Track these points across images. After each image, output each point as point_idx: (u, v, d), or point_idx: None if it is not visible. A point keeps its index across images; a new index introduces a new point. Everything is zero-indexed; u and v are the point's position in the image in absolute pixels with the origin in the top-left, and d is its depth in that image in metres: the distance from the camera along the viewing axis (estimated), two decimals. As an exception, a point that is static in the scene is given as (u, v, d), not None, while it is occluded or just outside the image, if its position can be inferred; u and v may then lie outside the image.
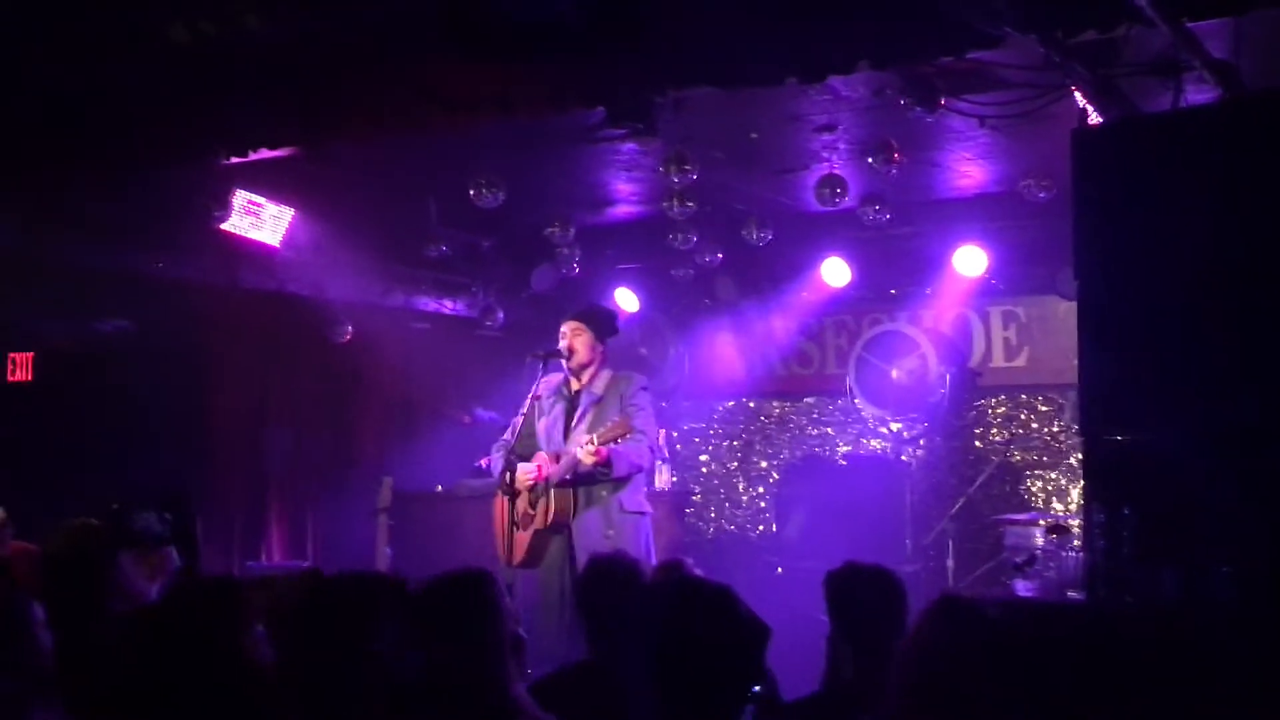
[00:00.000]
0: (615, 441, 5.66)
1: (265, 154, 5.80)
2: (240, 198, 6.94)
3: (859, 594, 3.56)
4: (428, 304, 8.95)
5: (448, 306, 9.06)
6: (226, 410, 7.89)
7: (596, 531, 5.80)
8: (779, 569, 8.30)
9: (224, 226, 6.91)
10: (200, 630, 2.50)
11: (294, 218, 7.27)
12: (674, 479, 9.10)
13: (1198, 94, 4.70)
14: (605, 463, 5.69)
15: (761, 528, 9.50)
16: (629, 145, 6.52)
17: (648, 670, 2.33)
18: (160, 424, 7.35)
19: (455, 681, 2.59)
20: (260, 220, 7.13)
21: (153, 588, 5.36)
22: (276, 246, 7.27)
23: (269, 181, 6.93)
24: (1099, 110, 4.77)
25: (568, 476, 5.82)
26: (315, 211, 7.36)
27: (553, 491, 5.87)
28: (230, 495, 7.83)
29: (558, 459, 5.87)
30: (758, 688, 2.37)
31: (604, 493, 5.87)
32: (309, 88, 5.35)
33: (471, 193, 6.70)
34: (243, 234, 7.06)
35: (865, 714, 2.98)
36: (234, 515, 7.82)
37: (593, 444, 5.60)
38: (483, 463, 6.30)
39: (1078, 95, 4.80)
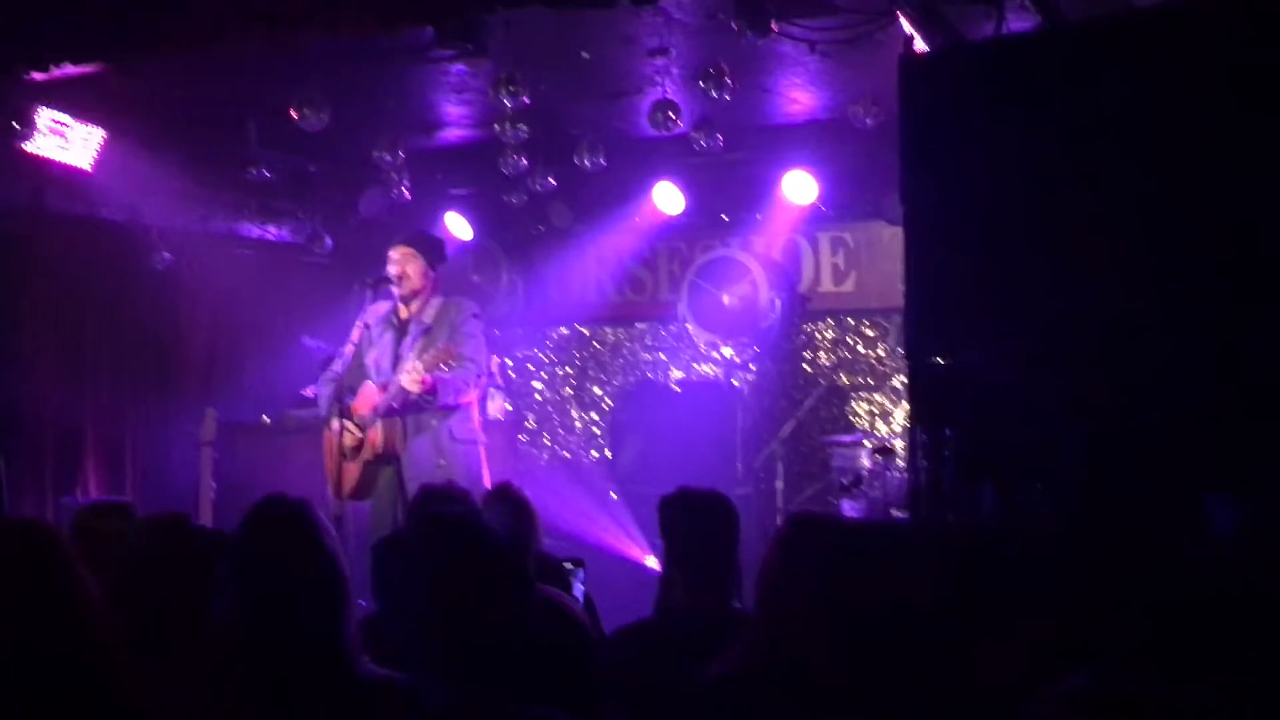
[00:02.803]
0: (440, 368, 5.58)
1: (70, 70, 5.49)
2: (45, 117, 6.58)
3: (692, 518, 3.60)
4: (251, 230, 8.66)
5: (272, 232, 8.78)
6: (36, 339, 7.52)
7: (427, 461, 5.74)
8: (613, 494, 8.37)
9: (27, 147, 6.55)
10: (15, 582, 2.27)
11: (105, 139, 6.92)
12: (508, 406, 9.07)
13: (1019, 22, 4.81)
14: (430, 390, 5.61)
15: (595, 454, 9.55)
16: (458, 66, 6.37)
17: (413, 608, 2.31)
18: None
19: (276, 627, 2.42)
20: (68, 141, 6.76)
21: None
22: (87, 170, 6.93)
23: (78, 101, 6.58)
24: (925, 38, 4.85)
25: (395, 406, 5.73)
26: (129, 133, 7.02)
27: (380, 422, 5.78)
28: (42, 430, 7.49)
29: (385, 389, 5.77)
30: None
31: (433, 421, 5.81)
32: (115, -1, 5.08)
33: (294, 114, 6.47)
34: (49, 155, 6.70)
35: (700, 638, 3.02)
36: (46, 450, 7.49)
37: (417, 372, 5.52)
38: (308, 392, 6.17)
39: (905, 22, 4.86)
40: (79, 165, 6.88)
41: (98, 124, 6.87)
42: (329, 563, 2.49)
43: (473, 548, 2.35)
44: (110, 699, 2.24)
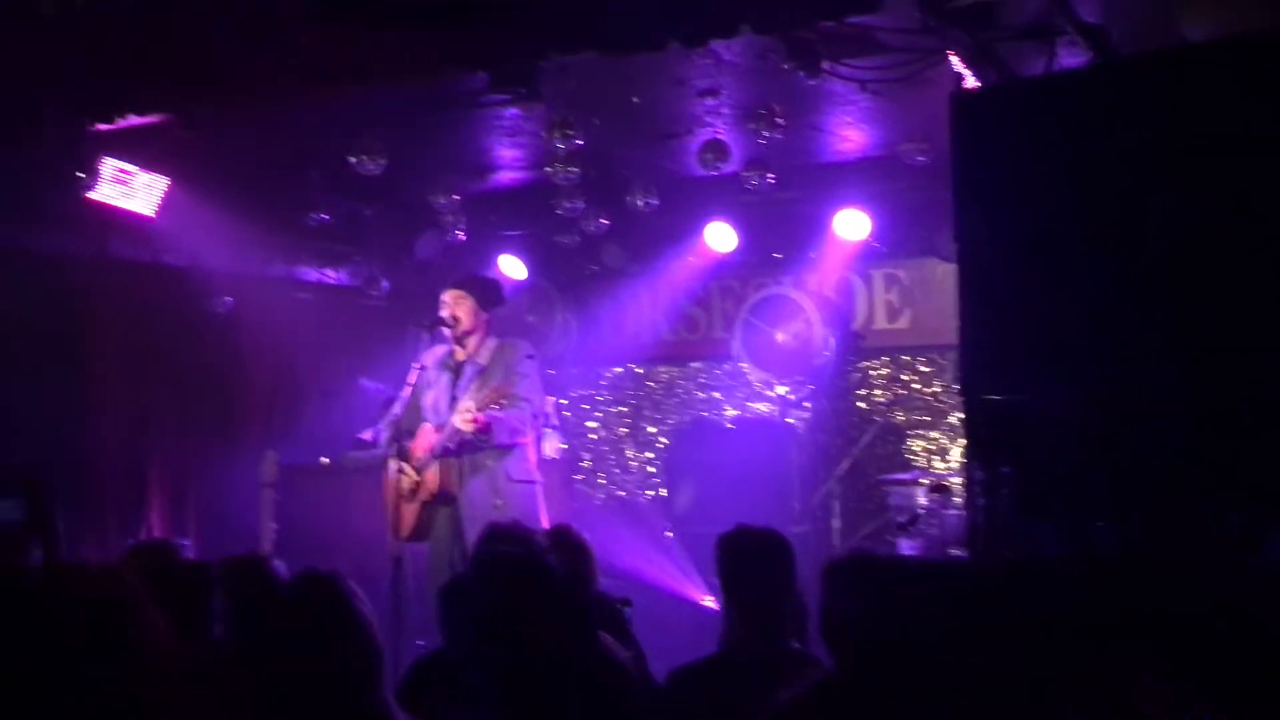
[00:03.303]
0: (494, 408, 5.62)
1: (134, 121, 5.62)
2: (109, 166, 6.72)
3: (749, 557, 3.60)
4: (310, 274, 8.78)
5: (330, 276, 8.90)
6: (100, 384, 7.66)
7: (484, 501, 5.77)
8: (669, 534, 8.36)
9: (92, 196, 6.69)
10: (79, 624, 2.29)
11: (169, 186, 7.06)
12: (563, 446, 9.09)
13: (1070, 58, 4.80)
14: (484, 430, 5.65)
15: (651, 493, 9.54)
16: (512, 111, 6.45)
17: (476, 649, 2.33)
18: (28, 400, 7.11)
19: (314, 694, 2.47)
20: (131, 189, 6.90)
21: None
22: (151, 216, 7.06)
23: (144, 150, 6.71)
24: (976, 74, 4.85)
25: (450, 446, 5.77)
26: (192, 180, 7.16)
27: (437, 463, 5.82)
28: (107, 474, 7.61)
29: (442, 430, 5.82)
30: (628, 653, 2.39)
31: (489, 462, 5.84)
32: (179, 51, 5.19)
33: (352, 161, 6.58)
34: (113, 203, 6.84)
35: (756, 676, 3.02)
36: (111, 492, 7.61)
37: (470, 412, 5.56)
38: (366, 435, 6.22)
39: (955, 60, 4.88)
40: (143, 212, 7.01)
41: (161, 172, 7.01)
42: (363, 632, 2.54)
43: (535, 587, 2.37)
44: None
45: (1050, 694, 3.07)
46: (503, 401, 5.63)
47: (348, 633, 2.53)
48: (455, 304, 5.98)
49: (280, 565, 3.69)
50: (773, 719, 2.81)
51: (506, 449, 5.83)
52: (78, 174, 6.57)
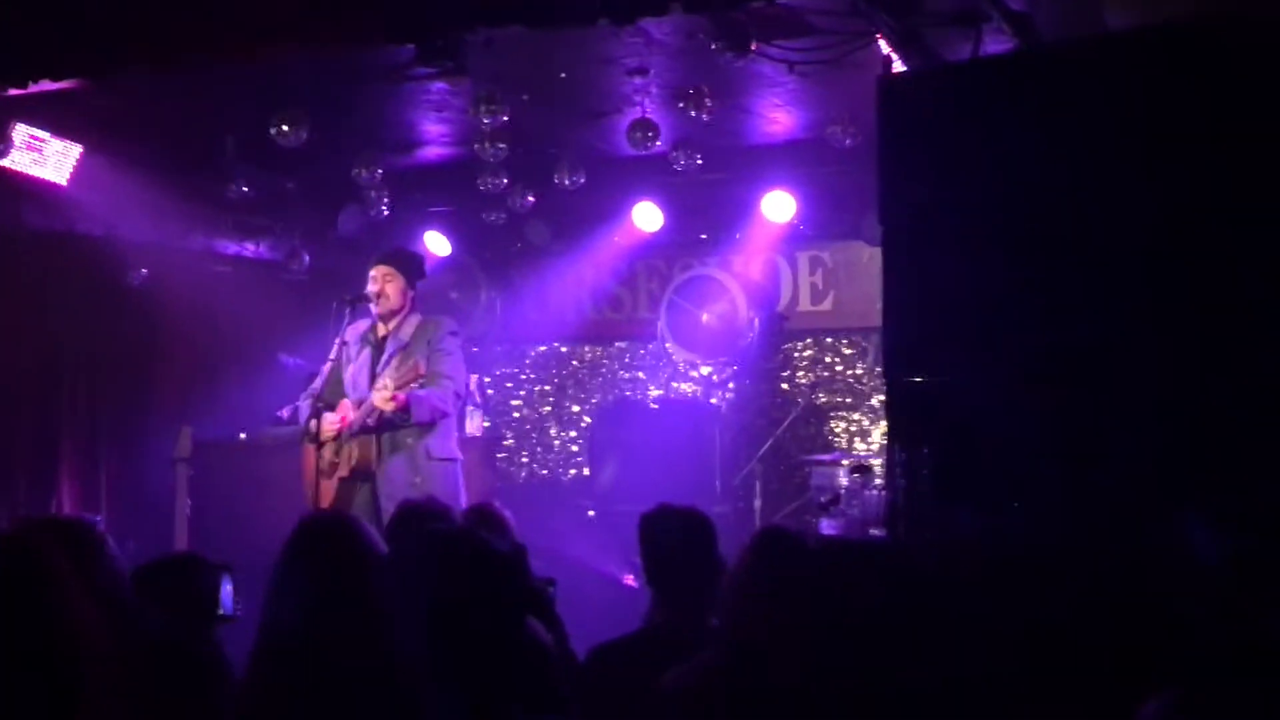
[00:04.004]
0: (413, 386, 5.57)
1: (47, 86, 5.47)
2: (21, 132, 6.55)
3: (671, 535, 3.60)
4: (229, 247, 8.62)
5: (250, 249, 8.75)
6: (10, 355, 7.47)
7: (402, 479, 5.72)
8: (591, 513, 8.35)
9: (3, 162, 6.52)
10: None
11: (81, 154, 6.90)
12: (486, 424, 9.05)
13: (996, 44, 4.84)
14: (404, 408, 5.60)
15: (574, 472, 9.53)
16: (438, 85, 6.37)
17: (414, 625, 2.32)
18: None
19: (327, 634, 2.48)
20: (43, 156, 6.74)
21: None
22: (63, 185, 6.90)
23: (55, 117, 6.55)
24: (903, 59, 4.88)
25: (369, 423, 5.71)
26: (106, 149, 7.00)
27: (356, 439, 5.76)
28: (15, 446, 7.44)
29: (361, 406, 5.76)
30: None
31: (409, 439, 5.79)
32: (93, 14, 5.06)
33: (273, 130, 6.46)
34: (25, 171, 6.67)
35: (677, 655, 3.02)
36: (18, 466, 7.44)
37: (388, 389, 5.51)
38: (283, 413, 6.14)
39: (883, 43, 4.90)
40: (55, 180, 6.85)
41: (74, 139, 6.84)
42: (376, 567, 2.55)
43: (477, 564, 2.36)
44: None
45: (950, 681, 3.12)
46: (421, 380, 5.58)
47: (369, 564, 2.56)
48: (384, 280, 5.90)
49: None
50: (659, 702, 2.82)
51: (427, 427, 5.78)
52: (-12, 139, 6.41)
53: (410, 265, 6.05)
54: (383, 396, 5.52)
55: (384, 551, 2.63)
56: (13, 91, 5.58)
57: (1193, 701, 1.93)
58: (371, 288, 5.91)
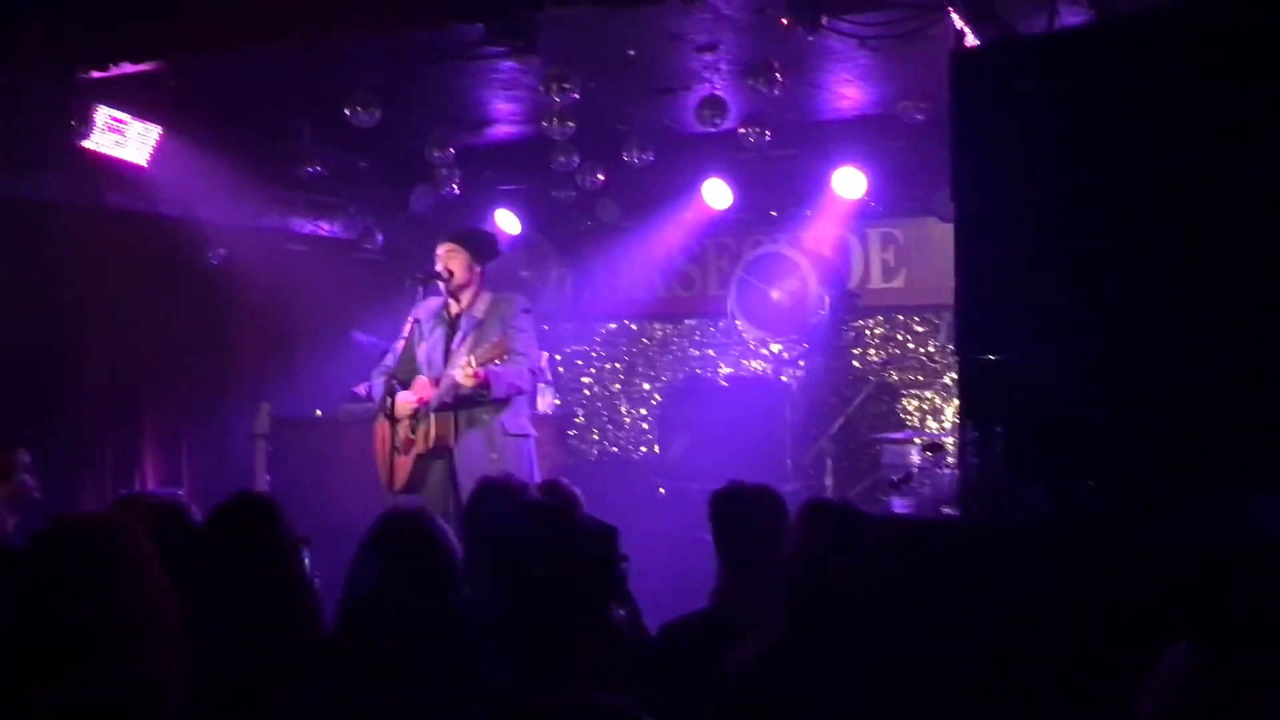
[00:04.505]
0: (494, 363, 5.62)
1: (127, 68, 5.58)
2: (103, 114, 6.67)
3: (742, 513, 3.61)
4: (304, 225, 8.74)
5: (324, 228, 8.86)
6: (94, 335, 7.65)
7: (479, 454, 5.77)
8: (661, 490, 8.38)
9: (86, 144, 6.65)
10: (75, 576, 2.33)
11: (161, 135, 7.01)
12: (557, 401, 9.10)
13: (1071, 16, 4.76)
14: (484, 384, 5.65)
15: (644, 449, 9.56)
16: (508, 63, 6.40)
17: (494, 597, 2.35)
18: (20, 350, 7.11)
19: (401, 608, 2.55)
20: (125, 138, 6.85)
21: (11, 519, 5.22)
22: (144, 165, 7.02)
23: (135, 98, 6.67)
24: (976, 32, 4.81)
25: (448, 400, 5.77)
26: (185, 130, 7.11)
27: (433, 416, 5.82)
28: (100, 423, 7.62)
29: (438, 383, 5.82)
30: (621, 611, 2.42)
31: (485, 415, 5.84)
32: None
33: (346, 111, 6.53)
34: (107, 152, 6.80)
35: (747, 632, 3.03)
36: (104, 444, 7.62)
37: (470, 366, 5.56)
38: (360, 390, 6.22)
39: (955, 17, 4.84)
40: (135, 161, 6.97)
41: (154, 121, 6.96)
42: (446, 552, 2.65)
43: (566, 540, 2.39)
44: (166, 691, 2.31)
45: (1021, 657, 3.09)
46: (505, 357, 5.63)
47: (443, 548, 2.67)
48: (449, 257, 5.95)
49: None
50: (726, 676, 2.84)
51: (502, 403, 5.83)
52: (72, 122, 6.53)
53: (474, 242, 6.09)
54: (465, 373, 5.57)
55: (457, 549, 2.69)
56: (95, 74, 5.70)
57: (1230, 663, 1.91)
58: (438, 265, 5.97)
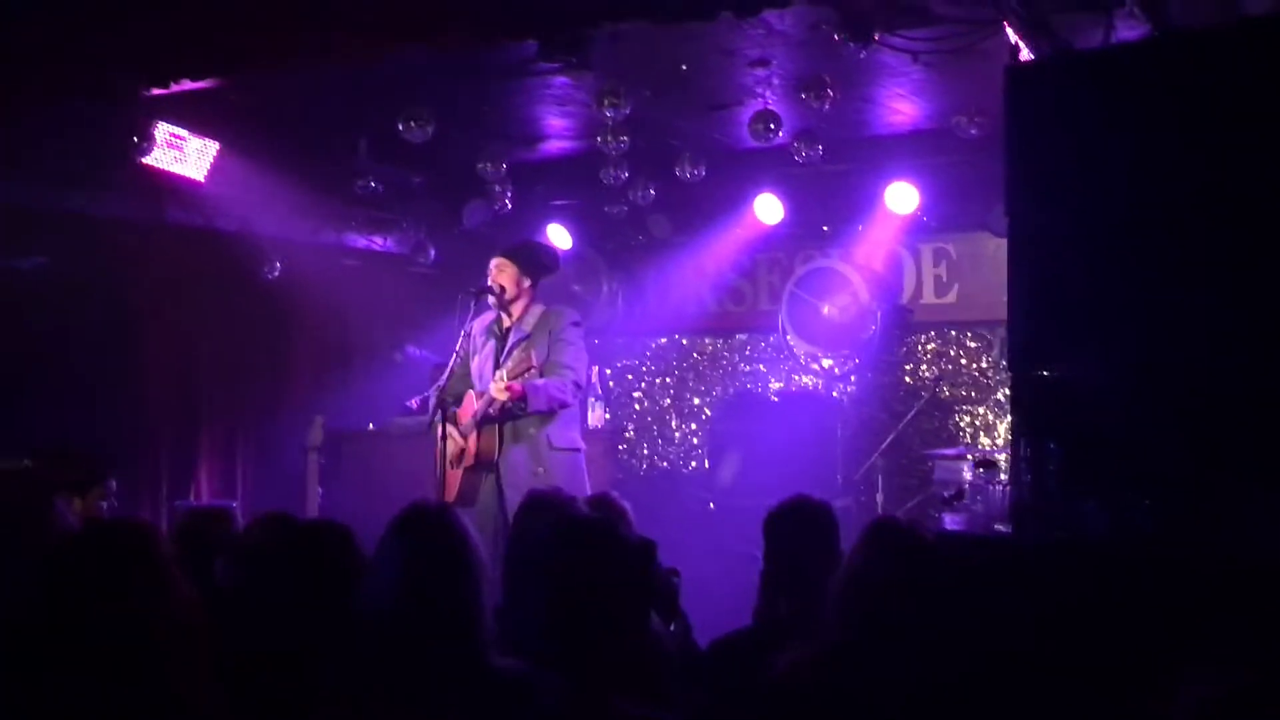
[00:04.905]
0: (528, 375, 5.63)
1: (187, 85, 5.67)
2: (162, 130, 6.78)
3: (799, 529, 3.60)
4: (358, 241, 8.84)
5: (378, 243, 8.95)
6: (153, 348, 7.77)
7: (524, 469, 5.79)
8: (711, 505, 8.36)
9: (146, 160, 6.75)
10: (106, 575, 2.41)
11: (219, 152, 7.12)
12: (607, 416, 9.11)
13: (1128, 30, 4.72)
14: (520, 398, 5.67)
15: (694, 464, 9.55)
16: (561, 79, 6.44)
17: (538, 609, 2.36)
18: (83, 363, 7.23)
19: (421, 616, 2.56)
20: (184, 154, 6.96)
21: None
22: (202, 181, 7.13)
23: (193, 115, 6.77)
24: (1031, 47, 4.79)
25: (491, 413, 5.80)
26: (242, 146, 7.22)
27: (480, 430, 5.86)
28: (158, 435, 7.73)
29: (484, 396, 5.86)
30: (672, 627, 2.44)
31: (531, 429, 5.85)
32: (229, 16, 5.22)
33: (400, 127, 6.60)
34: (166, 168, 6.91)
35: (796, 644, 3.02)
36: (161, 455, 7.73)
37: (502, 380, 5.59)
38: (413, 403, 6.27)
39: (1010, 31, 4.81)
40: (193, 177, 7.08)
41: (212, 137, 7.07)
42: (473, 557, 2.63)
43: (605, 552, 2.40)
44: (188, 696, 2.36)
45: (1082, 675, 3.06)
46: (530, 371, 5.64)
47: (466, 555, 2.65)
48: (499, 272, 6.00)
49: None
50: (770, 685, 2.83)
51: (548, 416, 5.84)
52: (133, 139, 6.64)
53: (525, 256, 6.12)
54: (498, 387, 5.60)
55: (478, 545, 2.70)
56: (155, 91, 5.79)
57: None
58: (489, 280, 6.01)
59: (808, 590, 3.46)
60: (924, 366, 8.69)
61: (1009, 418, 7.42)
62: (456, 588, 2.56)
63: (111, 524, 2.69)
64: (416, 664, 2.49)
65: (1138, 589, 3.43)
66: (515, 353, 5.88)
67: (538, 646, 2.41)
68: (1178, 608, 3.29)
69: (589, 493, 5.81)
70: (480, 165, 7.67)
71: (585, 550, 2.40)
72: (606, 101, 6.26)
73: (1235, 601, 3.21)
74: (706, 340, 9.68)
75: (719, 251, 9.04)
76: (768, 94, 6.58)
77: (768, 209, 8.32)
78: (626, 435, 9.81)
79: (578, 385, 6.02)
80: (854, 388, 8.84)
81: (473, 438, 5.88)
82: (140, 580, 2.40)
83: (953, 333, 8.60)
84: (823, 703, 2.75)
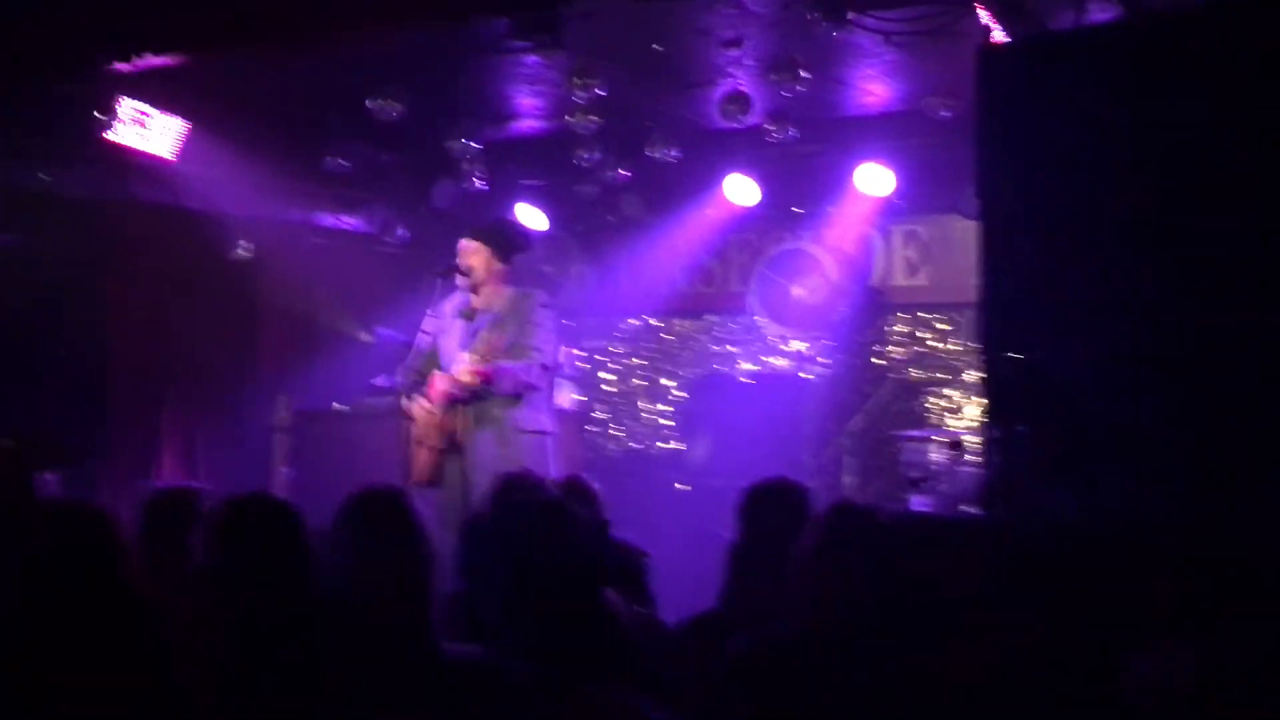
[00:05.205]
0: (494, 358, 5.60)
1: (152, 61, 5.59)
2: (127, 107, 6.69)
3: (781, 512, 3.59)
4: (327, 219, 8.77)
5: (348, 222, 8.88)
6: (119, 326, 7.69)
7: (490, 452, 5.75)
8: (678, 485, 8.36)
9: (110, 137, 6.67)
10: (69, 559, 2.42)
11: (187, 129, 7.04)
12: (577, 397, 9.09)
13: (1100, 12, 4.73)
14: (486, 380, 5.64)
15: (664, 445, 9.54)
16: (533, 58, 6.39)
17: (494, 592, 2.36)
18: (53, 339, 7.16)
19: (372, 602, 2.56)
20: (149, 131, 6.88)
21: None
22: (169, 159, 7.04)
23: (162, 93, 6.69)
24: (1003, 28, 4.78)
25: (456, 394, 5.76)
26: (210, 124, 7.14)
27: (445, 412, 5.82)
28: (121, 414, 7.66)
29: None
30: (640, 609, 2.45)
31: (496, 412, 5.81)
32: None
33: (370, 105, 6.54)
34: (130, 145, 6.82)
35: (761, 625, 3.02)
36: (125, 434, 7.66)
37: (465, 363, 5.56)
38: (380, 382, 6.24)
39: (982, 12, 4.81)
40: (160, 155, 7.00)
41: (179, 114, 6.98)
42: (423, 544, 2.65)
43: (560, 535, 2.40)
44: (151, 666, 2.37)
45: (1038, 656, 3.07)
46: (499, 353, 5.61)
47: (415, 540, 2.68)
48: (466, 254, 5.95)
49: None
50: (731, 666, 2.83)
51: (515, 399, 5.81)
52: (95, 114, 6.55)
53: (496, 237, 6.07)
54: (462, 370, 5.57)
55: (428, 527, 2.71)
56: (118, 66, 5.71)
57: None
58: (459, 261, 5.97)
59: (773, 571, 3.45)
60: (893, 348, 8.71)
61: (977, 399, 7.45)
62: (406, 571, 2.57)
63: (67, 507, 2.70)
64: (368, 647, 2.48)
65: (1102, 571, 3.44)
66: (483, 334, 5.85)
67: (497, 630, 2.41)
68: (1140, 591, 3.30)
69: (555, 475, 5.79)
70: (450, 144, 7.62)
71: (537, 531, 2.41)
72: (578, 81, 6.22)
73: (1196, 584, 3.23)
74: (677, 321, 9.67)
75: (690, 232, 9.02)
76: (740, 74, 6.56)
77: (739, 190, 8.30)
78: (596, 416, 9.79)
79: (545, 368, 5.97)
80: (824, 369, 8.86)
81: (438, 419, 5.85)
82: (96, 561, 2.40)
83: (923, 314, 8.61)
84: (782, 685, 2.76)
